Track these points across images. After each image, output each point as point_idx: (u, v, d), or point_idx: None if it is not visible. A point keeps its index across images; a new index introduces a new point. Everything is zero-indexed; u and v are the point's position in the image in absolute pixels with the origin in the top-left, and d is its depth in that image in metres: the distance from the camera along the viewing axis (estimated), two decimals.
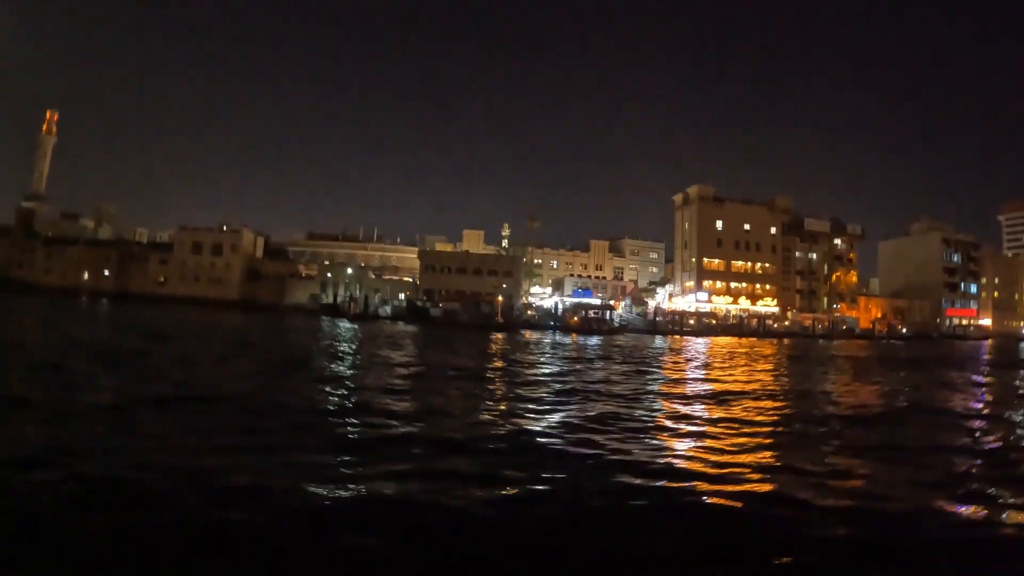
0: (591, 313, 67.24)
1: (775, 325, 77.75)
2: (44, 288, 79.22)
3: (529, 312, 64.56)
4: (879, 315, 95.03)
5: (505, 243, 77.59)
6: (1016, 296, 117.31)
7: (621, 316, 69.15)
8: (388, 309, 65.39)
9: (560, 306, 68.60)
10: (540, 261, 76.52)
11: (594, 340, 44.02)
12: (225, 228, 77.50)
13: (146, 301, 72.61)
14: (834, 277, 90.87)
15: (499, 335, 41.13)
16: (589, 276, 76.69)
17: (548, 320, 63.98)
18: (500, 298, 60.09)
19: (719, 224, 79.43)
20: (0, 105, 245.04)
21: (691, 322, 70.58)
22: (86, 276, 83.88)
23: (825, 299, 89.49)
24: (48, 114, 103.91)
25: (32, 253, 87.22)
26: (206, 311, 59.65)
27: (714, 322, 73.39)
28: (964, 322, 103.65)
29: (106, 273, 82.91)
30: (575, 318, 63.90)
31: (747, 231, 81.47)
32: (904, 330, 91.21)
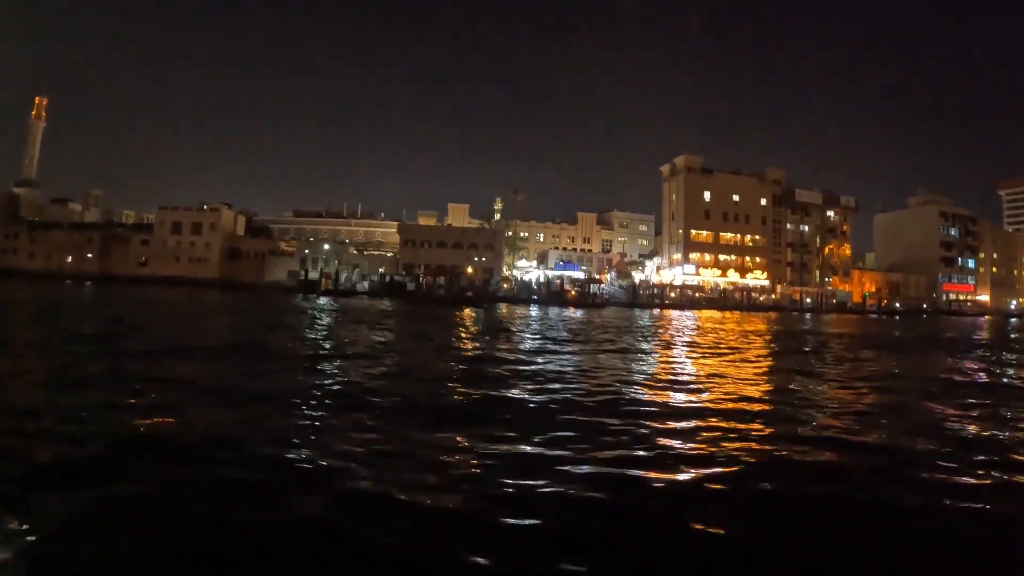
0: (572, 286, 66.25)
1: (762, 298, 76.41)
2: (28, 273, 78.75)
3: (506, 286, 63.44)
4: (873, 289, 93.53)
5: (497, 216, 76.47)
6: (1015, 272, 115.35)
7: (604, 289, 67.97)
8: (366, 284, 64.53)
9: (541, 279, 67.55)
10: (526, 234, 75.20)
11: (568, 314, 42.92)
12: (205, 207, 76.60)
13: (129, 283, 72.15)
14: (827, 250, 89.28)
15: (468, 310, 40.01)
16: (575, 249, 75.33)
17: (526, 293, 62.96)
18: (471, 271, 58.87)
19: (707, 195, 77.87)
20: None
21: (672, 295, 69.33)
22: (69, 260, 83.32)
23: (817, 272, 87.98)
24: (37, 100, 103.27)
25: (16, 239, 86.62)
26: (184, 291, 58.97)
27: (698, 295, 72.13)
28: (961, 297, 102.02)
29: (89, 256, 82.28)
30: (553, 291, 62.95)
31: (736, 202, 79.90)
32: (898, 305, 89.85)
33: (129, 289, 58.41)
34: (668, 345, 18.07)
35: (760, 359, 14.69)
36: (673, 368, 12.09)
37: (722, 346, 18.35)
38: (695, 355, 15.10)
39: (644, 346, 17.29)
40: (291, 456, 5.05)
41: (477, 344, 16.34)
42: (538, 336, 19.47)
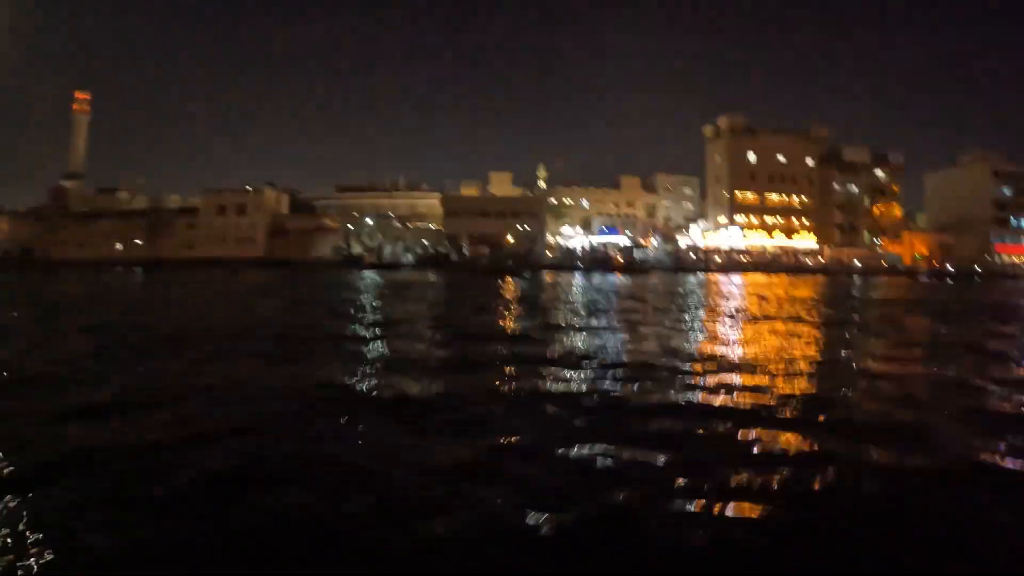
0: (618, 253, 65.52)
1: (809, 261, 74.40)
2: (79, 263, 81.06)
3: (549, 254, 62.94)
4: (924, 251, 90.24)
5: (541, 184, 75.62)
6: None
7: (648, 254, 66.99)
8: (410, 257, 64.73)
9: (585, 246, 66.87)
10: (570, 200, 74.22)
11: (613, 281, 42.31)
12: (249, 188, 77.62)
13: (177, 265, 73.76)
14: (876, 211, 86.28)
15: (509, 280, 39.43)
16: (619, 215, 74.14)
17: (570, 261, 62.47)
18: (511, 239, 58.30)
19: (751, 156, 75.80)
20: (40, 87, 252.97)
21: (718, 260, 67.93)
22: (119, 247, 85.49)
23: (866, 234, 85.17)
24: (79, 94, 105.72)
25: (66, 230, 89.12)
26: (231, 271, 59.99)
27: (744, 259, 70.54)
28: (1016, 260, 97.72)
29: (137, 242, 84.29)
30: (597, 258, 62.48)
31: (782, 163, 77.61)
32: (949, 267, 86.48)
33: (177, 273, 59.83)
34: (714, 316, 17.24)
35: (806, 332, 13.77)
36: (723, 346, 11.02)
37: (769, 315, 17.33)
38: (741, 328, 14.07)
39: (688, 316, 16.49)
40: None
41: (518, 321, 15.53)
42: (579, 310, 18.32)
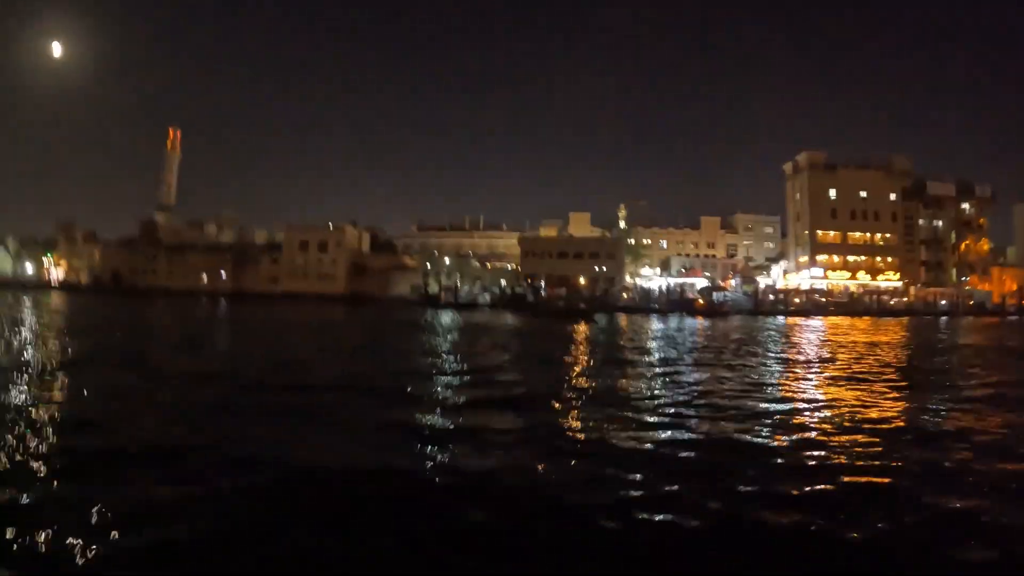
0: (698, 295, 64.90)
1: (893, 302, 71.72)
2: (167, 291, 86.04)
3: (626, 295, 62.92)
4: (1015, 288, 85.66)
5: (622, 224, 76.08)
6: None
7: (727, 296, 66.08)
8: (487, 297, 65.80)
9: (663, 287, 66.56)
10: (649, 241, 74.24)
11: (691, 324, 41.85)
12: (331, 226, 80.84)
13: (259, 299, 77.32)
14: (963, 246, 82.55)
15: (581, 324, 39.23)
16: (698, 255, 73.63)
17: (647, 302, 62.25)
18: (583, 281, 58.35)
19: (832, 193, 74.00)
20: (137, 125, 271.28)
21: (797, 301, 66.35)
22: (205, 279, 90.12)
23: (954, 271, 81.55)
24: (171, 132, 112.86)
25: (156, 260, 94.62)
26: (313, 306, 62.85)
27: (825, 300, 68.66)
28: None
29: (223, 275, 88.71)
30: (674, 300, 62.13)
31: (863, 199, 75.43)
32: None
33: (260, 306, 62.95)
34: (789, 368, 17.13)
35: (890, 387, 13.47)
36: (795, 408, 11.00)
37: (848, 366, 17.18)
38: (818, 384, 13.96)
39: (762, 370, 16.33)
40: None
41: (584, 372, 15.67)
42: (644, 363, 18.18)
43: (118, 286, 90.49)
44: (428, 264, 71.31)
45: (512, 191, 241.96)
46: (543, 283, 66.71)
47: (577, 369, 16.76)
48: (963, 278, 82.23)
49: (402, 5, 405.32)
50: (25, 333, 22.76)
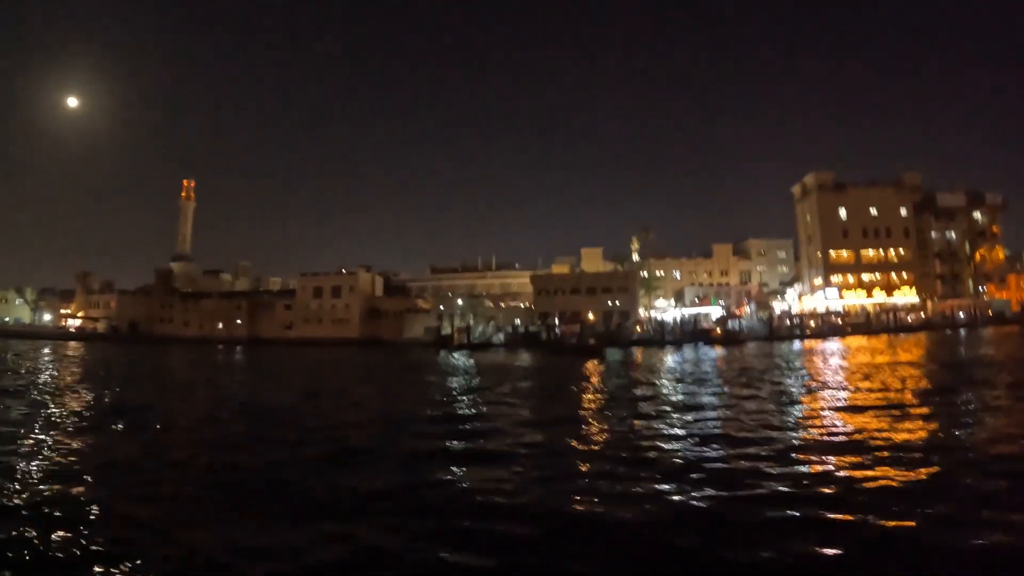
0: (714, 324, 64.64)
1: (910, 318, 70.97)
2: (184, 339, 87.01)
3: (639, 329, 62.75)
4: None
5: (635, 256, 76.16)
6: None
7: (743, 323, 65.73)
8: (501, 336, 65.87)
9: (677, 318, 66.31)
10: (662, 272, 74.21)
11: (706, 354, 41.95)
12: (344, 271, 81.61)
13: (275, 345, 78.05)
14: (978, 256, 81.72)
15: (592, 361, 39.41)
16: (712, 284, 73.40)
17: (661, 335, 62.10)
18: (592, 316, 58.15)
19: (842, 212, 73.66)
20: (154, 176, 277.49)
21: (812, 324, 65.84)
22: (220, 326, 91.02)
23: (970, 282, 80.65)
24: (185, 182, 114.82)
25: (172, 308, 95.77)
26: (328, 351, 63.69)
27: (841, 321, 68.09)
28: None
29: (238, 322, 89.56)
30: (687, 331, 62.01)
31: (874, 216, 74.99)
32: None
33: (277, 351, 63.72)
34: (807, 398, 17.25)
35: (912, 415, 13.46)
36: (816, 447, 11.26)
37: (868, 394, 17.21)
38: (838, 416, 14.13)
39: (775, 405, 16.44)
40: None
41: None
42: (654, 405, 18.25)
43: (135, 334, 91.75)
44: (441, 306, 71.60)
45: (524, 230, 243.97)
46: (557, 320, 66.77)
47: (578, 408, 17.57)
48: (980, 288, 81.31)
49: (416, 51, 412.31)
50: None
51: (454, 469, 10.45)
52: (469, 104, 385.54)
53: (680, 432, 12.99)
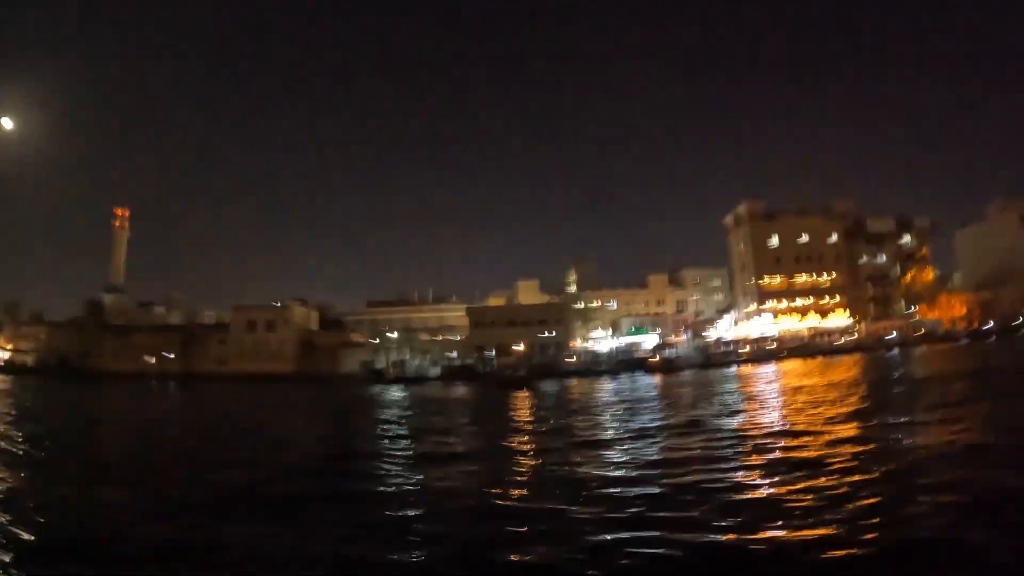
0: (650, 353, 64.76)
1: (843, 340, 72.47)
2: (115, 374, 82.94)
3: (569, 360, 62.52)
4: (963, 312, 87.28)
5: (572, 288, 76.08)
6: None
7: (678, 351, 66.02)
8: (437, 370, 64.79)
9: (613, 348, 66.23)
10: (598, 303, 74.20)
11: (641, 382, 42.03)
12: (279, 304, 79.31)
13: (209, 380, 75.07)
14: (907, 278, 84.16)
15: (523, 392, 39.98)
16: (648, 314, 73.66)
17: (596, 364, 62.00)
18: (522, 348, 57.69)
19: (774, 240, 75.04)
20: (86, 204, 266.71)
21: (747, 349, 66.54)
22: (153, 361, 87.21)
23: (902, 303, 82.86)
24: (119, 211, 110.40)
25: (103, 341, 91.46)
26: (262, 386, 61.71)
27: (774, 345, 69.01)
28: None
29: (171, 356, 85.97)
30: (622, 360, 62.09)
31: (806, 243, 76.62)
32: (991, 324, 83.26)
33: (207, 388, 61.34)
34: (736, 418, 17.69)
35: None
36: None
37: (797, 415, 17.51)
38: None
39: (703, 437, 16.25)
40: None
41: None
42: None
43: (64, 368, 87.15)
44: (376, 340, 69.98)
45: (461, 264, 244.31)
46: (493, 353, 65.92)
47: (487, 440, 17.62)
48: (911, 308, 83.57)
49: (346, 84, 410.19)
50: None
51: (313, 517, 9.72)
52: (404, 133, 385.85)
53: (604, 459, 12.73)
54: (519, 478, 12.39)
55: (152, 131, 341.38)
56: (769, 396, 25.28)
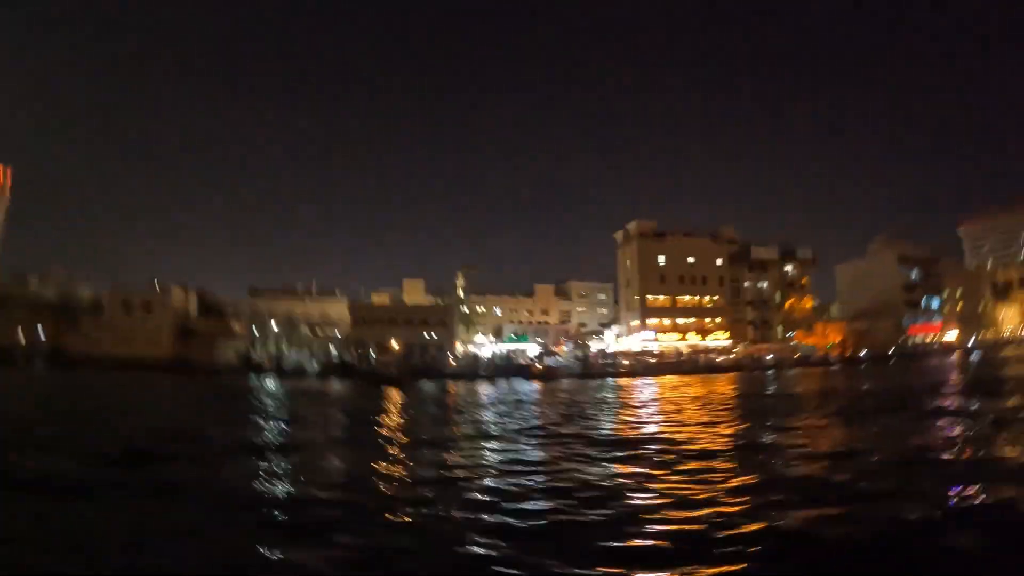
0: (532, 360, 66.03)
1: (719, 359, 76.10)
2: None
3: (452, 363, 63.06)
4: (837, 340, 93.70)
5: (460, 292, 76.53)
6: (981, 307, 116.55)
7: (558, 360, 67.60)
8: (315, 364, 63.73)
9: (494, 353, 67.14)
10: (483, 308, 74.93)
11: (519, 388, 43.04)
12: (157, 286, 75.90)
13: (79, 362, 70.95)
14: (787, 305, 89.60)
15: (395, 390, 40.25)
16: (531, 322, 75.06)
17: (474, 369, 62.71)
18: (397, 347, 57.82)
19: (661, 259, 78.20)
20: None
21: (625, 363, 68.94)
22: (22, 338, 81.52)
23: (780, 328, 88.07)
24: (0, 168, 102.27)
25: None
26: (132, 371, 58.95)
27: (654, 361, 71.77)
28: (928, 339, 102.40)
29: (42, 335, 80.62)
30: (500, 366, 63.12)
31: (692, 264, 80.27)
32: (863, 353, 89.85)
33: (75, 370, 57.94)
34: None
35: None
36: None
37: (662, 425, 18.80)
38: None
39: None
40: None
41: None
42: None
43: None
44: (255, 329, 68.12)
45: (349, 260, 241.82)
46: (374, 350, 65.44)
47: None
48: (789, 334, 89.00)
49: (230, 65, 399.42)
50: None
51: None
52: (299, 127, 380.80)
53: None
54: (331, 474, 12.37)
55: (50, 89, 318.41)
56: (642, 405, 26.62)
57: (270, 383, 47.00)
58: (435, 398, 34.90)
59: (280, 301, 70.37)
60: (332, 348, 67.08)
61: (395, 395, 35.28)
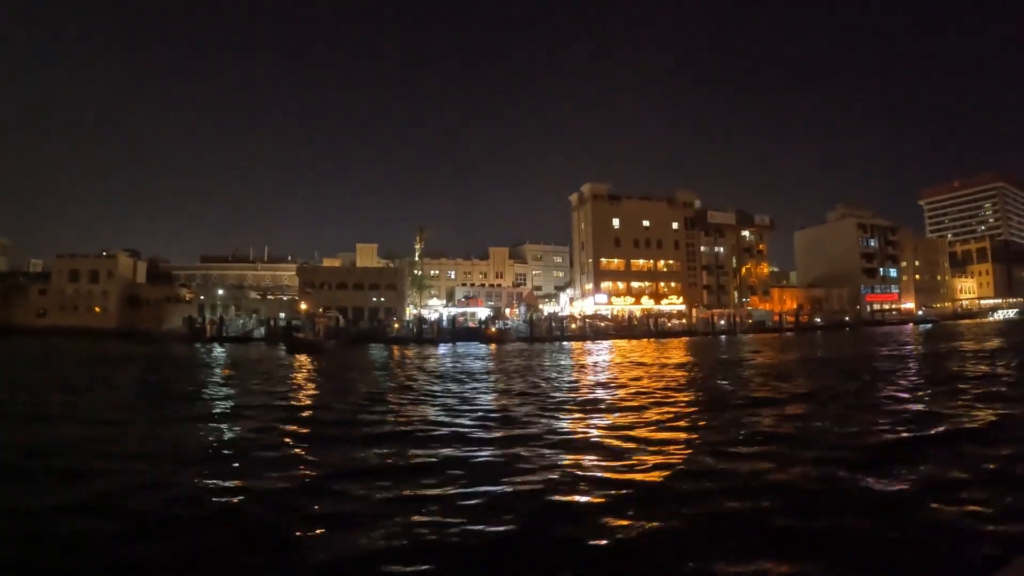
0: (473, 323, 65.97)
1: (670, 324, 76.64)
2: None
3: (396, 326, 62.75)
4: (795, 306, 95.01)
5: (417, 256, 75.98)
6: (938, 277, 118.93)
7: (509, 323, 67.67)
8: (262, 330, 63.14)
9: (444, 317, 67.00)
10: (436, 272, 74.51)
11: (465, 350, 42.68)
12: (104, 254, 74.53)
13: (25, 333, 69.75)
14: (743, 270, 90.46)
15: (304, 356, 39.26)
16: (484, 285, 74.83)
17: (424, 332, 62.46)
18: (328, 315, 56.66)
19: (616, 222, 78.27)
20: None
21: (574, 326, 69.25)
22: None
23: (735, 293, 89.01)
24: None
25: None
26: (75, 340, 57.83)
27: (604, 324, 72.16)
28: (886, 307, 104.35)
29: None
30: (447, 328, 62.99)
31: (647, 228, 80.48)
32: (819, 320, 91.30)
33: (20, 342, 56.66)
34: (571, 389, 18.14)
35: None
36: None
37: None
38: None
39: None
40: None
41: None
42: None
43: None
44: (203, 296, 67.26)
45: (303, 225, 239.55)
46: (320, 315, 64.89)
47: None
48: (744, 299, 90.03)
49: (191, 25, 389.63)
50: None
51: None
52: (254, 92, 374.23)
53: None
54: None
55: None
56: (589, 366, 25.81)
57: (215, 350, 45.82)
58: (370, 361, 33.86)
59: (231, 267, 69.44)
60: (282, 314, 66.53)
61: (307, 360, 34.09)
